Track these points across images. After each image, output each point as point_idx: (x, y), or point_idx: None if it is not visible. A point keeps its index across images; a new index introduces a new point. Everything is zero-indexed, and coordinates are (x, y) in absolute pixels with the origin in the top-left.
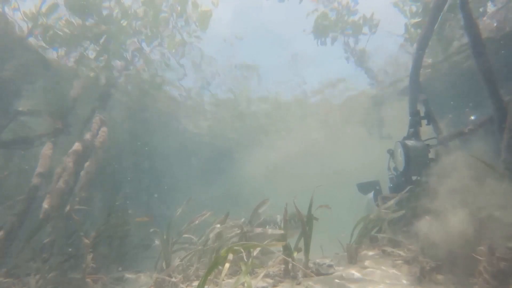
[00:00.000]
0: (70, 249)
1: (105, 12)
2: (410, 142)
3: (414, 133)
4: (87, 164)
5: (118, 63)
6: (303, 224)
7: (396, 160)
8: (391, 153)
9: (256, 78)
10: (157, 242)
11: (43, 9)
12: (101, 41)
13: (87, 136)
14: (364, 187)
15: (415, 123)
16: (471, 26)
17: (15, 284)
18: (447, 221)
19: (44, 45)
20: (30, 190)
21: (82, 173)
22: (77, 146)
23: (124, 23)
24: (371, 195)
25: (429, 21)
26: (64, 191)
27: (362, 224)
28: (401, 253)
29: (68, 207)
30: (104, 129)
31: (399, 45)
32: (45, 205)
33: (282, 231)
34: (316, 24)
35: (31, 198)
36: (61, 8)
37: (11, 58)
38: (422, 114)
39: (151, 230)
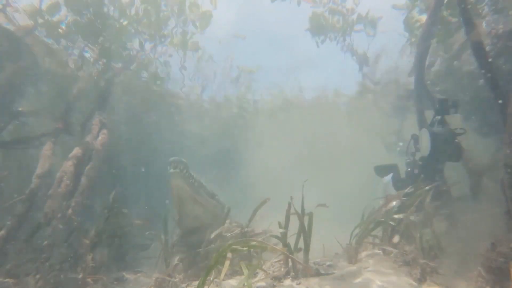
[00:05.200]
0: (69, 249)
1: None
2: (437, 129)
3: (441, 121)
4: (87, 167)
5: (118, 64)
6: (302, 223)
7: (421, 146)
8: (415, 139)
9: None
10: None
11: (44, 7)
12: (100, 40)
13: (88, 138)
14: (381, 170)
15: (442, 111)
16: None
17: (15, 284)
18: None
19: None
20: (30, 190)
21: (83, 176)
22: (77, 149)
23: (124, 22)
24: (387, 178)
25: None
26: (65, 195)
27: (362, 225)
28: (401, 254)
29: (69, 211)
30: (104, 131)
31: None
32: (46, 209)
33: (283, 230)
34: (311, 22)
35: (31, 198)
36: (62, 9)
37: (11, 58)
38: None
39: (147, 233)
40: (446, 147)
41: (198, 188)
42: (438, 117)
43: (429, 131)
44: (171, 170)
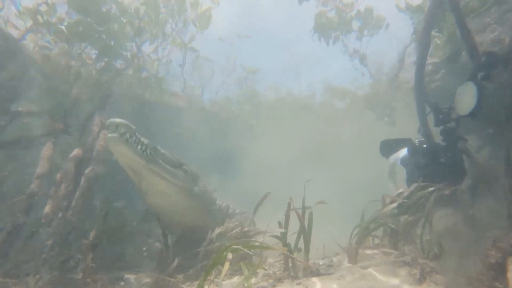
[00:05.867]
0: (68, 250)
1: (104, 10)
2: (486, 83)
3: (486, 77)
4: (88, 168)
5: (118, 64)
6: (302, 223)
7: (460, 102)
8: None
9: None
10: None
11: (42, 9)
12: (101, 41)
13: (88, 139)
14: (388, 147)
15: (488, 66)
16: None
17: (15, 284)
18: None
19: (44, 44)
20: (30, 191)
21: (83, 178)
22: (77, 150)
23: (124, 20)
24: (393, 158)
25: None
26: (65, 196)
27: (362, 225)
28: (401, 254)
29: (70, 212)
30: (104, 131)
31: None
32: (47, 210)
33: (283, 229)
34: (316, 22)
35: (31, 199)
36: (62, 8)
37: (10, 58)
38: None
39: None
40: (497, 103)
41: (154, 157)
42: (482, 73)
43: (476, 84)
44: (109, 135)
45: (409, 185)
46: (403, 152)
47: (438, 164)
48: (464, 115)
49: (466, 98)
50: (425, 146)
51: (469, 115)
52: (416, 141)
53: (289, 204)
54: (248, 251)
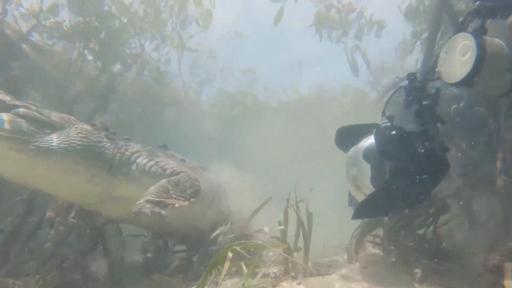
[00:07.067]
0: (69, 250)
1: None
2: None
3: (481, 29)
4: None
5: (119, 63)
6: (300, 222)
7: (449, 64)
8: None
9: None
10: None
11: (45, 8)
12: (101, 36)
13: None
14: (348, 136)
15: (484, 12)
16: None
17: (15, 284)
18: None
19: (47, 42)
20: (31, 191)
21: None
22: None
23: (124, 20)
24: (355, 151)
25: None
26: None
27: (363, 225)
28: (402, 253)
29: (72, 214)
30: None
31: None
32: (49, 212)
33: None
34: (316, 19)
35: (32, 199)
36: (61, 8)
37: (13, 57)
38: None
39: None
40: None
41: None
42: (476, 24)
43: (474, 36)
44: None
45: (374, 184)
46: (368, 142)
47: (413, 155)
48: (454, 82)
49: (459, 57)
50: (393, 132)
51: (464, 82)
52: (382, 127)
53: (287, 200)
54: (246, 255)
